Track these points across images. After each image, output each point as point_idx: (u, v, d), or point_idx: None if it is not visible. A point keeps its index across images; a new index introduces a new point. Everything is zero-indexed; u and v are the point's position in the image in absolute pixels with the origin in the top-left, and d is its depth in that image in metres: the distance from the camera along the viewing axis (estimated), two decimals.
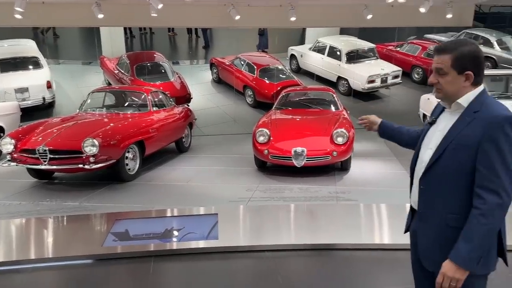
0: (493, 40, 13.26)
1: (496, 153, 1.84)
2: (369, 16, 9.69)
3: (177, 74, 11.50)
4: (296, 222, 5.09)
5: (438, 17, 10.13)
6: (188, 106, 9.86)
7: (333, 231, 4.60)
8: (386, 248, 4.22)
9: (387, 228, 4.84)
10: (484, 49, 13.08)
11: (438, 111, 2.15)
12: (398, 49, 13.81)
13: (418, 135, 2.29)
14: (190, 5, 9.62)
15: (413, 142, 2.28)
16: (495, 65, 12.77)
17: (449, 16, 9.73)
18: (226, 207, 5.30)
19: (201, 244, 4.42)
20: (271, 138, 6.83)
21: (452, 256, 1.89)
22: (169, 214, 5.21)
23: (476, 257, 1.87)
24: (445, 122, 2.03)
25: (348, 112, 8.28)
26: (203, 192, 6.14)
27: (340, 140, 6.59)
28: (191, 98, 10.88)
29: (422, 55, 13.10)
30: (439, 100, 2.11)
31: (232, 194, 5.90)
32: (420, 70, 13.06)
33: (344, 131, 6.68)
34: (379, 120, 2.52)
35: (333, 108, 8.00)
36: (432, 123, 2.11)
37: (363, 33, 13.74)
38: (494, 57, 12.89)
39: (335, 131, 6.69)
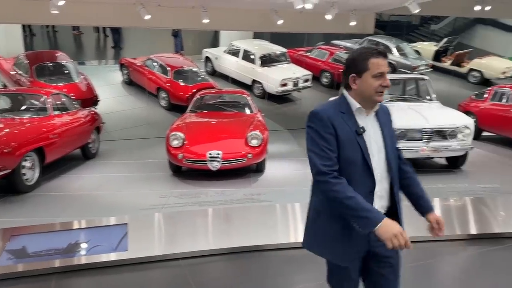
0: (392, 46, 14.41)
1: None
2: (280, 22, 9.94)
3: (83, 75, 10.77)
4: (212, 227, 4.98)
5: (343, 24, 10.71)
6: (95, 109, 9.27)
7: (250, 233, 4.58)
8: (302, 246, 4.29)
9: (303, 227, 4.93)
10: None
11: (347, 120, 2.13)
12: (308, 54, 14.39)
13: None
14: (96, 3, 9.06)
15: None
16: (394, 70, 13.88)
17: (352, 23, 10.34)
18: (136, 216, 5.03)
19: (109, 257, 4.13)
20: (186, 141, 6.66)
21: (431, 207, 2.29)
22: (73, 226, 4.78)
23: None
24: (370, 124, 2.16)
25: (263, 114, 8.40)
26: (112, 201, 5.78)
27: (254, 142, 6.64)
28: (99, 100, 10.26)
29: (329, 60, 13.79)
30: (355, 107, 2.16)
31: (144, 201, 5.63)
32: (328, 74, 13.73)
33: (259, 133, 6.74)
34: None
35: (247, 111, 8.06)
36: (362, 132, 2.12)
37: (275, 38, 14.11)
38: (394, 63, 14.01)
39: (249, 134, 6.73)
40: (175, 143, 6.62)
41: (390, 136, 2.23)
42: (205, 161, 6.44)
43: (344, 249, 2.17)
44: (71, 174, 7.14)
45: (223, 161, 6.43)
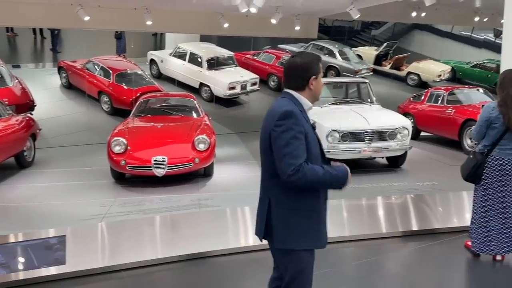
0: (335, 51, 14.83)
1: None
2: (226, 25, 9.92)
3: (17, 79, 10.10)
4: (157, 235, 4.81)
5: (288, 28, 10.89)
6: (31, 114, 8.73)
7: (198, 239, 4.47)
8: (253, 249, 4.26)
9: (252, 230, 4.89)
10: (328, 59, 14.57)
11: (306, 117, 2.34)
12: (255, 57, 14.47)
13: None
14: (32, 3, 8.56)
15: None
16: (338, 74, 14.29)
17: (297, 28, 10.54)
18: (76, 227, 4.75)
19: (48, 271, 3.88)
20: (128, 147, 6.41)
21: None
22: (9, 240, 4.43)
23: None
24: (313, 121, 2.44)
25: (210, 118, 8.31)
26: (50, 212, 5.46)
27: (201, 146, 6.52)
28: (35, 105, 9.67)
29: (276, 64, 13.94)
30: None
31: (84, 211, 5.35)
32: (275, 77, 13.87)
33: (206, 137, 6.64)
34: None
35: (194, 115, 7.92)
36: (315, 127, 2.40)
37: (222, 41, 14.05)
38: (337, 66, 14.43)
39: (196, 138, 6.60)
40: (117, 149, 6.36)
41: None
42: (149, 167, 6.24)
43: (320, 232, 2.38)
44: (5, 184, 6.68)
45: (168, 166, 6.26)
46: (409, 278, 3.94)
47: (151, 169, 6.24)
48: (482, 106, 3.99)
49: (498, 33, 16.54)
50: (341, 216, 4.78)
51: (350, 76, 13.49)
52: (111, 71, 10.91)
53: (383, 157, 7.40)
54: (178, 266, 4.06)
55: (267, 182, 2.36)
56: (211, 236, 4.52)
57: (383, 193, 5.69)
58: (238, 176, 7.26)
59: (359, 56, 15.95)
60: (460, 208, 5.16)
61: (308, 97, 2.36)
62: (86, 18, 8.54)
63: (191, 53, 12.59)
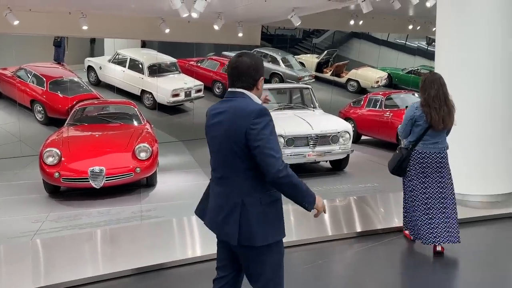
0: (279, 58, 15.03)
1: None
2: (167, 31, 9.71)
3: None
4: (95, 251, 4.52)
5: (231, 35, 10.88)
6: None
7: (141, 253, 4.23)
8: (200, 260, 4.09)
9: (201, 240, 4.70)
10: (272, 66, 14.74)
11: None
12: (199, 64, 14.30)
13: None
14: None
15: None
16: (281, 80, 14.48)
17: (240, 34, 10.55)
18: (4, 246, 4.35)
19: None
20: (63, 158, 6.01)
21: None
22: None
23: None
24: None
25: (152, 126, 8.03)
26: None
27: (143, 155, 6.26)
28: None
29: (221, 71, 13.86)
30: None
31: (14, 229, 4.93)
32: (220, 84, 13.77)
33: (147, 145, 6.37)
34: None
35: (135, 122, 7.61)
36: None
37: (164, 47, 13.73)
38: (281, 73, 14.62)
39: (137, 146, 6.32)
40: (50, 160, 5.94)
41: None
42: (86, 178, 5.88)
43: (283, 223, 2.38)
44: None
45: (107, 177, 5.94)
46: (355, 279, 3.97)
47: (88, 181, 5.88)
48: (406, 107, 4.26)
49: (430, 41, 17.60)
50: (288, 221, 4.74)
51: (293, 83, 13.71)
52: (44, 79, 10.29)
53: (326, 161, 7.53)
54: (122, 282, 3.81)
55: (239, 183, 2.25)
56: (156, 249, 4.31)
57: (328, 196, 5.76)
58: (182, 185, 7.05)
59: (302, 64, 16.28)
60: (400, 208, 5.32)
61: (259, 95, 2.39)
62: (16, 23, 8.00)
63: (131, 59, 12.20)
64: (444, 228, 3.95)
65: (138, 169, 6.10)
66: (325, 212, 2.39)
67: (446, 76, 4.08)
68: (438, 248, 4.04)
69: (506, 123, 5.32)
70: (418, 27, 14.71)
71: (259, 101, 2.33)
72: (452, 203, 4.02)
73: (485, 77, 5.21)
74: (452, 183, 4.04)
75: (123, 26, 10.02)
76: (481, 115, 5.26)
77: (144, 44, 14.23)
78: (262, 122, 2.16)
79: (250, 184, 2.24)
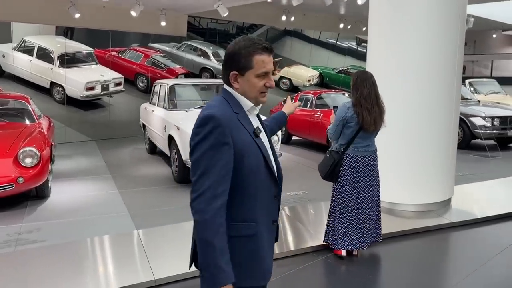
0: (209, 52, 14.24)
1: None
2: (77, 15, 8.54)
3: None
4: None
5: (153, 24, 9.93)
6: None
7: None
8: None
9: (96, 271, 3.77)
10: (203, 61, 13.93)
11: (243, 121, 1.73)
12: (121, 55, 13.08)
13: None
14: None
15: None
16: (212, 75, 13.71)
17: (163, 23, 9.62)
18: None
19: None
20: None
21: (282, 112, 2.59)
22: None
23: None
24: (258, 124, 1.82)
25: (52, 124, 6.88)
26: None
27: (28, 161, 5.13)
28: None
29: (145, 63, 12.78)
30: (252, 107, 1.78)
31: None
32: (144, 78, 12.70)
33: (34, 149, 5.24)
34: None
35: (26, 121, 6.41)
36: (259, 133, 1.78)
37: (78, 35, 12.34)
38: (211, 68, 13.84)
39: (21, 151, 5.17)
40: None
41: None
42: None
43: (262, 266, 1.80)
44: None
45: None
46: None
47: None
48: (335, 107, 3.95)
49: (360, 42, 17.75)
50: None
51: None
52: None
53: None
54: None
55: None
56: (33, 284, 3.34)
57: None
58: (82, 196, 5.88)
59: None
60: None
61: (242, 95, 1.77)
62: None
63: (39, 47, 10.76)
64: (371, 230, 3.88)
65: (20, 179, 4.97)
66: None
67: (376, 76, 3.80)
68: (355, 252, 3.94)
69: (436, 126, 4.99)
70: (349, 26, 14.70)
71: (247, 102, 1.76)
72: (378, 205, 3.95)
73: (414, 78, 4.88)
74: (379, 186, 3.92)
75: (27, 9, 8.68)
76: (410, 117, 4.91)
77: (66, 34, 12.71)
78: (200, 133, 1.64)
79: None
